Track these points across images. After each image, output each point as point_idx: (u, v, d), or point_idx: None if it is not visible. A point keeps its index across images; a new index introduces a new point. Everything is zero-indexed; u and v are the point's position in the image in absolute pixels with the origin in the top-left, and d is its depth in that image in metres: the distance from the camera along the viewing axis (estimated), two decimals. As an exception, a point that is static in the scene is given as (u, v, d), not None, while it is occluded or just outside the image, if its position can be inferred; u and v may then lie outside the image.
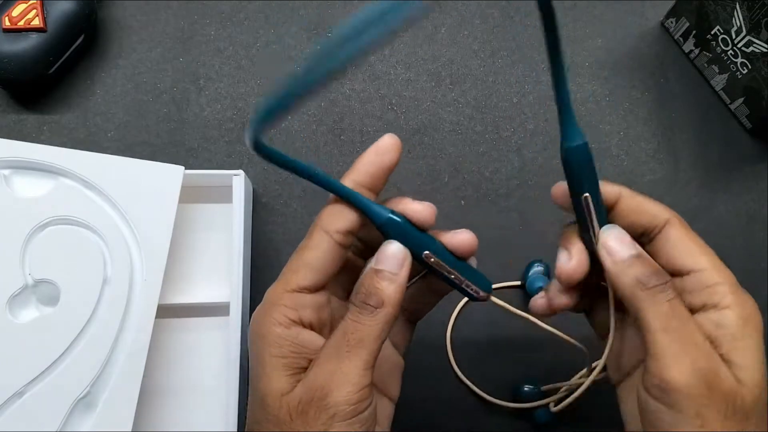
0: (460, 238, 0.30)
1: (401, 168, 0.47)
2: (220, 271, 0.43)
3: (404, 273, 0.28)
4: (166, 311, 0.40)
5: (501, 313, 0.33)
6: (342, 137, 0.47)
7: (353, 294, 0.29)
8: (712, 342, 0.27)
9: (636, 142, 0.48)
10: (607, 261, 0.29)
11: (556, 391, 0.41)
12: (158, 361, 0.41)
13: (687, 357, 0.26)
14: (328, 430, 0.26)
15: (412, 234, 0.29)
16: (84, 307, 0.36)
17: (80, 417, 0.35)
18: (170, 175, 0.40)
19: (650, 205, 0.30)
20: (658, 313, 0.27)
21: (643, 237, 0.30)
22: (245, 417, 0.30)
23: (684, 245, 0.29)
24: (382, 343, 0.28)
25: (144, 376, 0.36)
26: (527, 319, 0.33)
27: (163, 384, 0.41)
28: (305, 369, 0.28)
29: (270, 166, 0.46)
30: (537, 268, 0.44)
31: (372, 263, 0.29)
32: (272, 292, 0.29)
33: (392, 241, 0.29)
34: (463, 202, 0.46)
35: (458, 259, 0.30)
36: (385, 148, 0.30)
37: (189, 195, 0.42)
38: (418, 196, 0.46)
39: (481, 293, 0.30)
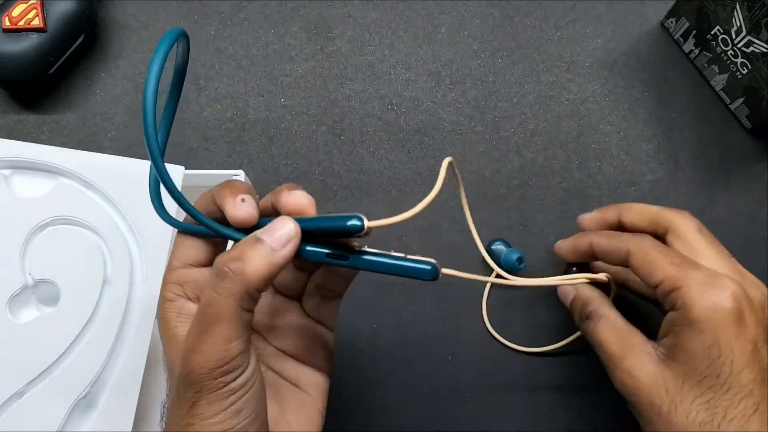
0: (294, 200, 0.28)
1: (401, 168, 0.47)
2: (220, 271, 0.43)
3: (285, 253, 0.26)
4: (166, 311, 0.40)
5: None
6: (342, 137, 0.47)
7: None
8: None
9: (636, 142, 0.48)
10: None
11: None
12: (158, 361, 0.41)
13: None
14: (195, 403, 0.26)
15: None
16: (84, 307, 0.36)
17: (80, 417, 0.35)
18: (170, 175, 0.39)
19: (614, 243, 0.35)
20: None
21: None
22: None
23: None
24: (248, 315, 0.27)
25: (144, 376, 0.36)
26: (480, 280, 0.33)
27: (163, 384, 0.41)
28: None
29: (270, 167, 0.47)
30: (499, 246, 0.44)
31: (256, 232, 0.27)
32: (162, 278, 0.31)
33: (287, 218, 0.27)
34: (463, 202, 0.46)
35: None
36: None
37: (189, 195, 0.42)
38: (419, 196, 0.46)
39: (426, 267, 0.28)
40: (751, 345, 0.29)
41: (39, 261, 0.37)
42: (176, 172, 0.40)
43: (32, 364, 0.35)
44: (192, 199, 0.43)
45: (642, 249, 0.33)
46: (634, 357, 0.32)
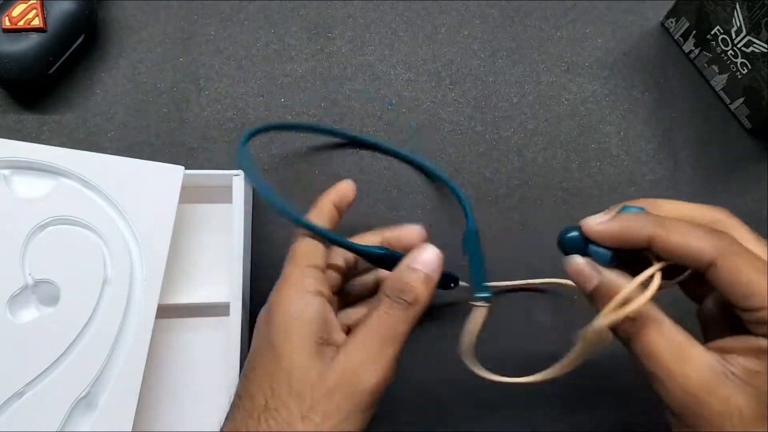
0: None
1: (401, 168, 0.47)
2: (220, 271, 0.43)
3: (437, 277, 0.31)
4: (166, 311, 0.40)
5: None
6: (342, 137, 0.47)
7: (385, 287, 0.31)
8: None
9: (636, 142, 0.48)
10: None
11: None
12: (158, 361, 0.41)
13: None
14: (350, 415, 0.28)
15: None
16: (84, 307, 0.36)
17: (80, 417, 0.35)
18: (170, 175, 0.40)
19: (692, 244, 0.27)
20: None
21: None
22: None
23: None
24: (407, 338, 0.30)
25: (144, 376, 0.36)
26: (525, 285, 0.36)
27: (163, 384, 0.41)
28: (328, 343, 0.30)
29: (270, 167, 0.47)
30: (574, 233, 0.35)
31: (408, 261, 0.31)
32: (290, 270, 0.31)
33: (429, 245, 0.32)
34: (463, 202, 0.46)
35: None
36: (343, 190, 0.35)
37: (189, 195, 0.42)
38: (419, 196, 0.46)
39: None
40: None
41: (39, 261, 0.37)
42: (176, 172, 0.40)
43: (32, 364, 0.35)
44: (192, 198, 0.43)
45: (732, 260, 0.26)
46: (696, 375, 0.27)
